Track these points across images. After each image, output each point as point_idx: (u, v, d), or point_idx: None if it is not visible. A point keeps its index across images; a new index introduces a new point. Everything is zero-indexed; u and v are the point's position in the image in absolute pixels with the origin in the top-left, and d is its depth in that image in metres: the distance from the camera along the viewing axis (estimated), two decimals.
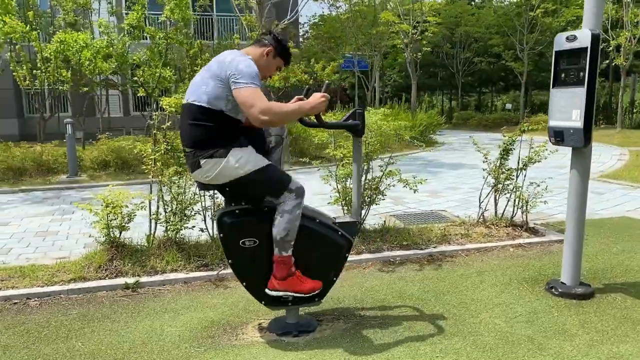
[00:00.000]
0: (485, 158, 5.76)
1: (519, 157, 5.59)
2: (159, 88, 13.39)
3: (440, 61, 34.08)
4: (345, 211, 5.25)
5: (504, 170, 5.65)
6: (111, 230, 4.72)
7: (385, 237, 5.26)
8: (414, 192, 5.12)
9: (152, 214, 4.95)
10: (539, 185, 5.51)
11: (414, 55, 18.43)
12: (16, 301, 4.16)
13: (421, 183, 5.18)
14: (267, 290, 3.22)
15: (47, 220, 7.04)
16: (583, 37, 3.68)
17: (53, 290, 4.27)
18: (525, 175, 5.64)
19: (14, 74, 15.45)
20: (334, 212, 6.54)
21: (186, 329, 3.56)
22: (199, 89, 3.02)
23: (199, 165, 3.07)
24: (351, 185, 5.09)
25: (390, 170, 5.23)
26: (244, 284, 3.36)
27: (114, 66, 14.07)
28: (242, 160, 3.04)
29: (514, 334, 3.36)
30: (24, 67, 15.37)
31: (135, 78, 13.35)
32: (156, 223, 4.94)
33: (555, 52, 3.94)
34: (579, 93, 3.72)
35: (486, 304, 3.85)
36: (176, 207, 4.86)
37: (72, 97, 17.16)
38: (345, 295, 4.12)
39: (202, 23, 21.14)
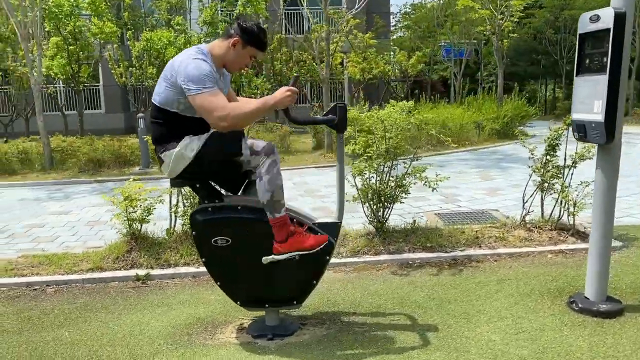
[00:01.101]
0: (532, 154, 5.25)
1: (566, 154, 5.02)
2: (236, 83, 13.74)
3: (543, 48, 31.97)
4: (366, 210, 5.00)
5: (550, 167, 5.11)
6: (132, 222, 4.86)
7: (410, 238, 4.95)
8: (432, 190, 4.75)
9: (171, 207, 5.03)
10: (588, 185, 4.91)
11: (500, 42, 17.33)
12: (36, 287, 4.41)
13: (441, 181, 4.80)
14: (273, 256, 3.05)
15: (102, 210, 7.44)
16: (606, 16, 3.18)
17: (70, 279, 4.48)
18: (572, 173, 5.05)
19: (112, 71, 16.63)
20: (353, 210, 6.32)
21: (170, 324, 3.56)
22: (156, 90, 2.98)
23: (162, 160, 3.04)
24: (374, 182, 4.87)
25: (415, 167, 4.90)
26: (218, 283, 3.29)
27: None
28: (189, 143, 2.94)
29: (506, 353, 3.00)
30: (121, 65, 16.49)
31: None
32: (175, 216, 5.02)
33: (579, 34, 3.45)
34: (601, 81, 3.22)
35: (491, 317, 3.48)
36: (193, 201, 4.90)
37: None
38: (343, 298, 3.92)
39: (290, 17, 21.38)
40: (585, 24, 3.37)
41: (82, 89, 16.89)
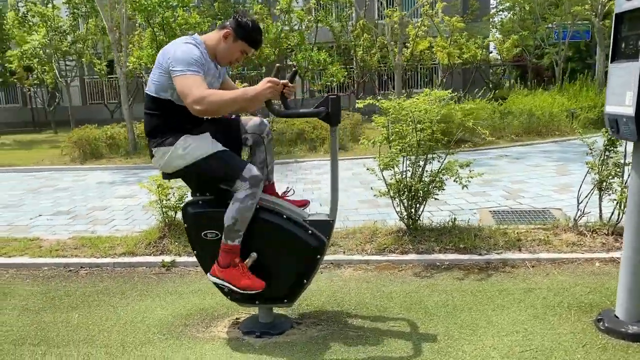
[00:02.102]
0: (590, 149, 4.72)
1: (625, 150, 4.44)
2: (312, 71, 13.75)
3: None
4: (396, 205, 4.75)
5: (609, 165, 4.56)
6: (166, 210, 4.99)
7: (443, 238, 4.64)
8: (462, 188, 4.40)
9: None
10: None
11: (602, 23, 15.83)
12: (71, 268, 4.67)
13: (472, 177, 4.43)
14: (208, 275, 3.08)
15: None
16: None
17: (103, 262, 4.69)
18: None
19: None
20: (382, 206, 6.05)
21: (172, 314, 3.60)
22: (150, 79, 2.97)
23: (153, 154, 3.04)
24: (403, 176, 4.62)
25: (450, 161, 4.58)
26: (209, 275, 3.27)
27: (276, 52, 14.84)
28: (189, 148, 2.92)
29: None
30: None
31: (291, 62, 13.92)
32: None
33: (615, 14, 2.99)
34: (634, 69, 2.77)
35: (500, 330, 3.16)
36: None
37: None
38: (351, 298, 3.76)
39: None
40: (621, 2, 2.92)
41: None
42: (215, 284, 3.08)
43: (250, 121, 3.24)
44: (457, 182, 4.41)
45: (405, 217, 4.77)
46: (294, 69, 3.34)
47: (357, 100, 4.67)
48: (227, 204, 3.02)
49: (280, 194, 3.52)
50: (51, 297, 4.02)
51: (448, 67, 18.82)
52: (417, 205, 4.74)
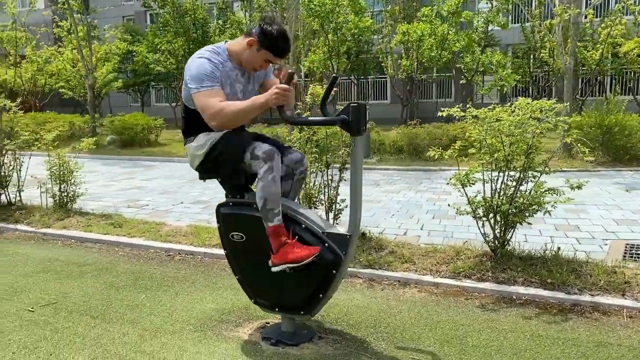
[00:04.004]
0: None
1: None
2: (481, 73, 12.99)
3: None
4: (482, 226, 4.28)
5: None
6: None
7: (532, 268, 4.06)
8: (544, 214, 3.76)
9: None
10: None
11: None
12: (170, 254, 5.16)
13: (559, 202, 3.76)
14: (272, 268, 2.99)
15: None
16: None
17: (196, 251, 5.10)
18: None
19: (382, 64, 17.63)
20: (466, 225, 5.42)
21: (216, 308, 3.76)
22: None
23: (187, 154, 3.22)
24: (490, 195, 4.16)
25: (541, 182, 3.98)
26: (237, 277, 3.35)
27: (449, 55, 14.39)
28: (202, 140, 3.02)
29: None
30: (390, 57, 17.37)
31: (459, 65, 13.34)
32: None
33: None
34: None
35: None
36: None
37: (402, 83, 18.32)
38: (389, 322, 3.51)
39: None
40: None
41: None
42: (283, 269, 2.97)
43: (291, 154, 3.19)
44: (552, 206, 3.81)
45: (491, 240, 4.28)
46: (333, 75, 3.24)
47: (441, 109, 4.32)
48: (250, 206, 3.07)
49: None
50: (138, 277, 4.49)
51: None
52: (505, 229, 4.21)
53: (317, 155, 4.69)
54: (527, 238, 5.39)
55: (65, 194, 6.58)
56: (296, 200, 3.37)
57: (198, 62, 2.91)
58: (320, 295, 3.06)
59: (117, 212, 6.65)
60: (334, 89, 3.25)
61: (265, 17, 3.02)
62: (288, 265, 2.89)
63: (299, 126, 4.90)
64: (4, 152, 6.62)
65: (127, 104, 27.20)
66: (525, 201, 4.01)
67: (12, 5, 20.67)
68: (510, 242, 4.28)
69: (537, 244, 4.74)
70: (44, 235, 5.87)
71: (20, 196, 6.84)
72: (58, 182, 6.51)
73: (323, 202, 4.79)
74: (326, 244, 2.98)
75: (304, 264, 2.86)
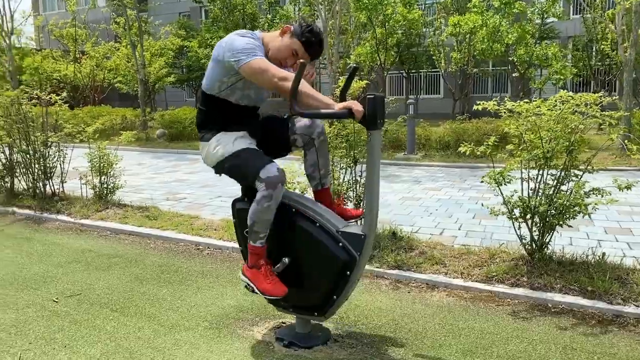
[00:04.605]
0: None
1: None
2: (535, 67, 12.41)
3: None
4: (518, 227, 4.01)
5: None
6: None
7: (571, 275, 3.77)
8: (583, 216, 3.45)
9: None
10: None
11: None
12: (200, 247, 5.14)
13: (599, 204, 3.44)
14: (239, 273, 3.05)
15: None
16: None
17: (224, 245, 5.06)
18: None
19: (433, 57, 17.24)
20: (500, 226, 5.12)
21: (234, 305, 3.69)
22: (205, 74, 3.05)
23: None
24: (526, 195, 3.90)
25: (583, 182, 3.68)
26: None
27: (502, 48, 13.84)
28: (218, 146, 2.94)
29: None
30: (441, 51, 16.96)
31: (511, 58, 12.79)
32: None
33: None
34: None
35: None
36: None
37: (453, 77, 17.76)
38: (411, 327, 3.33)
39: None
40: None
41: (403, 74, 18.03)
42: (244, 282, 3.05)
43: (299, 122, 3.10)
44: (577, 209, 3.52)
45: (528, 243, 4.01)
46: (353, 65, 3.08)
47: (477, 102, 4.06)
48: None
49: (337, 200, 3.32)
50: (163, 270, 4.48)
51: None
52: (546, 231, 3.93)
53: (345, 151, 4.54)
54: (572, 241, 5.05)
55: (105, 185, 6.71)
56: (329, 167, 3.25)
57: (243, 39, 2.77)
58: (335, 297, 2.93)
59: (154, 205, 6.72)
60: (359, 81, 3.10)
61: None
62: (253, 286, 2.93)
63: (328, 120, 4.77)
64: (49, 144, 6.81)
65: (183, 99, 27.82)
66: (565, 202, 3.72)
67: (73, 3, 21.48)
68: (549, 245, 3.99)
69: (582, 248, 4.42)
70: (82, 226, 6.00)
71: (63, 187, 7.03)
72: (98, 174, 6.64)
73: (351, 199, 4.63)
74: (340, 244, 2.85)
75: (266, 297, 2.92)
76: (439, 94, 24.42)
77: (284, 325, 3.37)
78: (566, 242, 4.98)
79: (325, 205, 3.07)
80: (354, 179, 4.64)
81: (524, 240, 4.04)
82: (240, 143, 2.92)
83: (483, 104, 4.00)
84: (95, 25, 24.29)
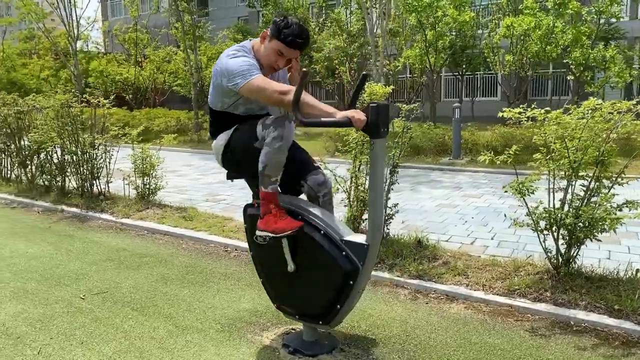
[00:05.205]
0: None
1: None
2: (592, 69, 11.85)
3: None
4: (542, 240, 3.85)
5: None
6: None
7: (598, 292, 3.58)
8: (606, 231, 3.25)
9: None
10: None
11: None
12: (228, 249, 5.23)
13: (624, 219, 3.23)
14: (257, 232, 2.94)
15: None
16: None
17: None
18: None
19: (487, 59, 16.83)
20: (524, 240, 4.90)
21: (249, 309, 3.74)
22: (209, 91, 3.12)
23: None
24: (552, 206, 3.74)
25: (611, 194, 3.48)
26: (261, 279, 3.30)
27: (557, 49, 13.33)
28: (222, 136, 3.01)
29: None
30: (497, 53, 16.57)
31: (566, 60, 12.28)
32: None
33: None
34: None
35: None
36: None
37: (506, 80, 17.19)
38: (422, 339, 3.27)
39: None
40: None
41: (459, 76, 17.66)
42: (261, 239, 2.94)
43: (313, 174, 3.07)
44: (601, 225, 3.34)
45: (554, 256, 3.84)
46: (363, 73, 3.07)
47: (503, 109, 3.92)
48: None
49: None
50: (189, 271, 4.60)
51: None
52: (573, 244, 3.76)
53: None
54: (610, 255, 4.79)
55: (147, 186, 6.95)
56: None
57: (233, 61, 2.79)
58: (338, 307, 2.91)
59: (192, 206, 6.90)
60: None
61: (279, 13, 2.92)
62: (268, 234, 2.84)
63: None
64: (96, 145, 7.13)
65: None
66: (592, 215, 3.54)
67: (134, 9, 22.41)
68: (576, 259, 3.81)
69: (622, 263, 4.19)
70: (122, 225, 6.24)
71: (108, 187, 7.34)
72: (141, 175, 6.89)
73: None
74: (344, 252, 2.84)
75: (284, 235, 2.82)
76: (496, 96, 23.77)
77: (293, 331, 3.38)
78: (604, 255, 4.74)
79: None
80: None
81: (549, 254, 3.87)
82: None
83: (509, 111, 3.87)
84: (157, 29, 25.23)
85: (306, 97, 2.69)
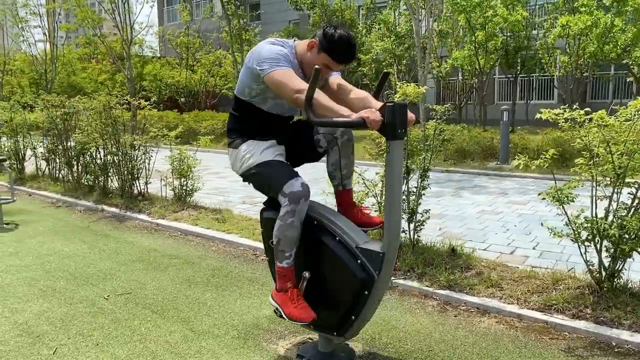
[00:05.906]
0: None
1: None
2: None
3: None
4: (584, 252, 3.56)
5: None
6: None
7: None
8: None
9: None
10: None
11: None
12: (257, 253, 5.16)
13: None
14: (269, 298, 2.96)
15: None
16: None
17: None
18: None
19: (542, 60, 16.23)
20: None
21: (268, 316, 3.62)
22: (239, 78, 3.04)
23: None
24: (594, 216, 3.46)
25: None
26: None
27: (616, 49, 12.66)
28: (246, 155, 2.91)
29: None
30: (551, 54, 15.97)
31: (625, 61, 11.60)
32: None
33: None
34: None
35: None
36: None
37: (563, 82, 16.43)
38: (444, 355, 3.06)
39: None
40: None
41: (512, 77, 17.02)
42: (273, 307, 2.95)
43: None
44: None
45: (597, 270, 3.54)
46: (384, 71, 2.91)
47: (540, 110, 3.65)
48: None
49: (357, 203, 3.16)
50: (215, 274, 4.54)
51: None
52: (616, 259, 3.45)
53: None
54: None
55: (184, 187, 6.99)
56: (352, 168, 3.10)
57: (271, 47, 2.73)
58: (353, 317, 2.76)
59: (227, 208, 6.88)
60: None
61: (331, 22, 2.80)
62: (281, 311, 2.81)
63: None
64: (136, 146, 7.24)
65: None
66: (637, 226, 3.23)
67: (185, 14, 22.94)
68: (621, 274, 3.50)
69: None
70: (157, 226, 6.29)
71: (147, 188, 7.44)
72: (178, 176, 6.94)
73: (405, 211, 4.39)
74: (359, 261, 2.68)
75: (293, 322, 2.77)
76: (552, 99, 22.86)
77: (310, 341, 3.25)
78: None
79: (345, 208, 3.02)
80: (407, 190, 4.39)
81: (591, 267, 3.58)
82: (268, 154, 2.86)
83: (548, 111, 3.61)
84: (208, 34, 25.73)
85: (320, 97, 2.56)
